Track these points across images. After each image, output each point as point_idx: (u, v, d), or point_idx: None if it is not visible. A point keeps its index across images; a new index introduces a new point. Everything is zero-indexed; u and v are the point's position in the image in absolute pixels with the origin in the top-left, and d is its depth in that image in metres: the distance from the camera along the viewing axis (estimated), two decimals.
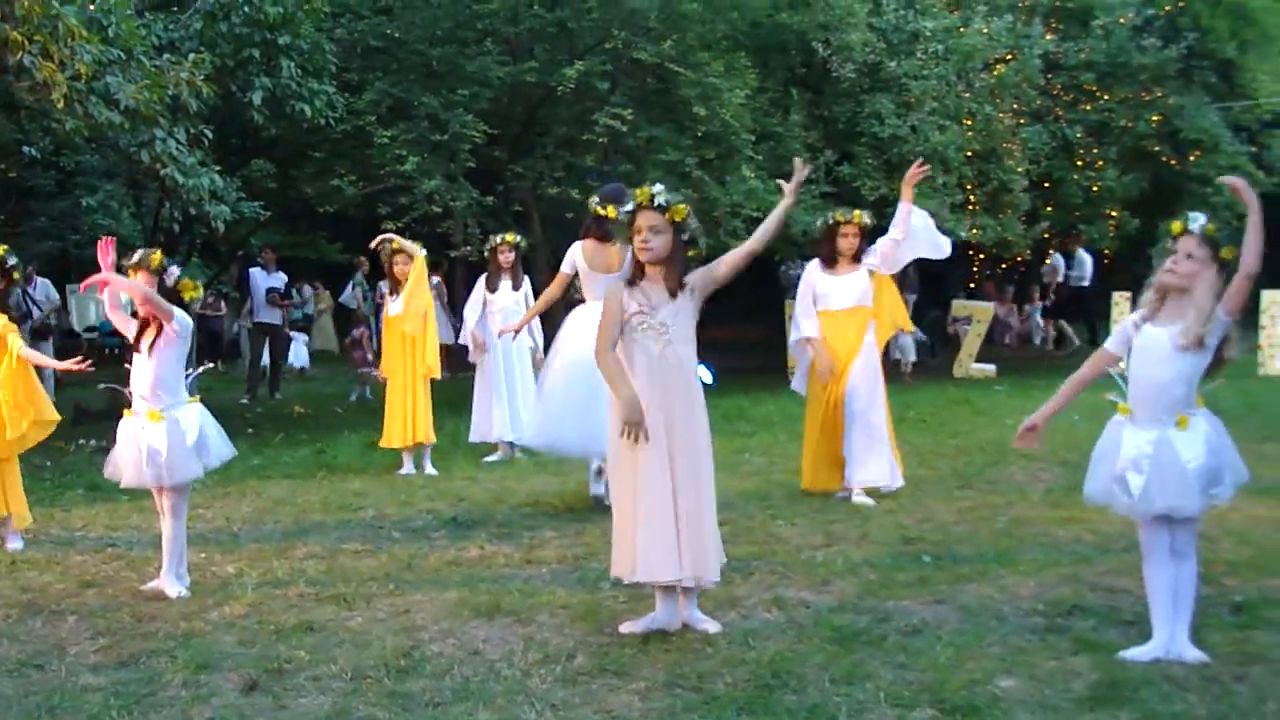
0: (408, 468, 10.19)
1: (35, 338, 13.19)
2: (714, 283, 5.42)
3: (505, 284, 10.86)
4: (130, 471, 6.22)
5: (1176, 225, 4.83)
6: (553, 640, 5.26)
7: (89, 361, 7.13)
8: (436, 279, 14.24)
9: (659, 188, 5.33)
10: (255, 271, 17.44)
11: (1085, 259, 22.05)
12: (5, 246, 7.48)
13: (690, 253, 5.37)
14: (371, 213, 15.92)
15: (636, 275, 5.38)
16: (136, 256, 6.28)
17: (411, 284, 10.11)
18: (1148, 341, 4.82)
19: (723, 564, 5.50)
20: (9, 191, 18.03)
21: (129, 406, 6.30)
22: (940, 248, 8.73)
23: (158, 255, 6.26)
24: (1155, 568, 4.89)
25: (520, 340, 10.52)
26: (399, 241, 10.29)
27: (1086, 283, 22.19)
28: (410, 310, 10.12)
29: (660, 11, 14.78)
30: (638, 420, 5.16)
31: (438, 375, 10.49)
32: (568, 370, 7.94)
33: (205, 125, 11.55)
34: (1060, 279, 22.60)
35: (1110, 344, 5.02)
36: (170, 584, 6.24)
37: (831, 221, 8.62)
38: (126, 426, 6.22)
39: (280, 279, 17.54)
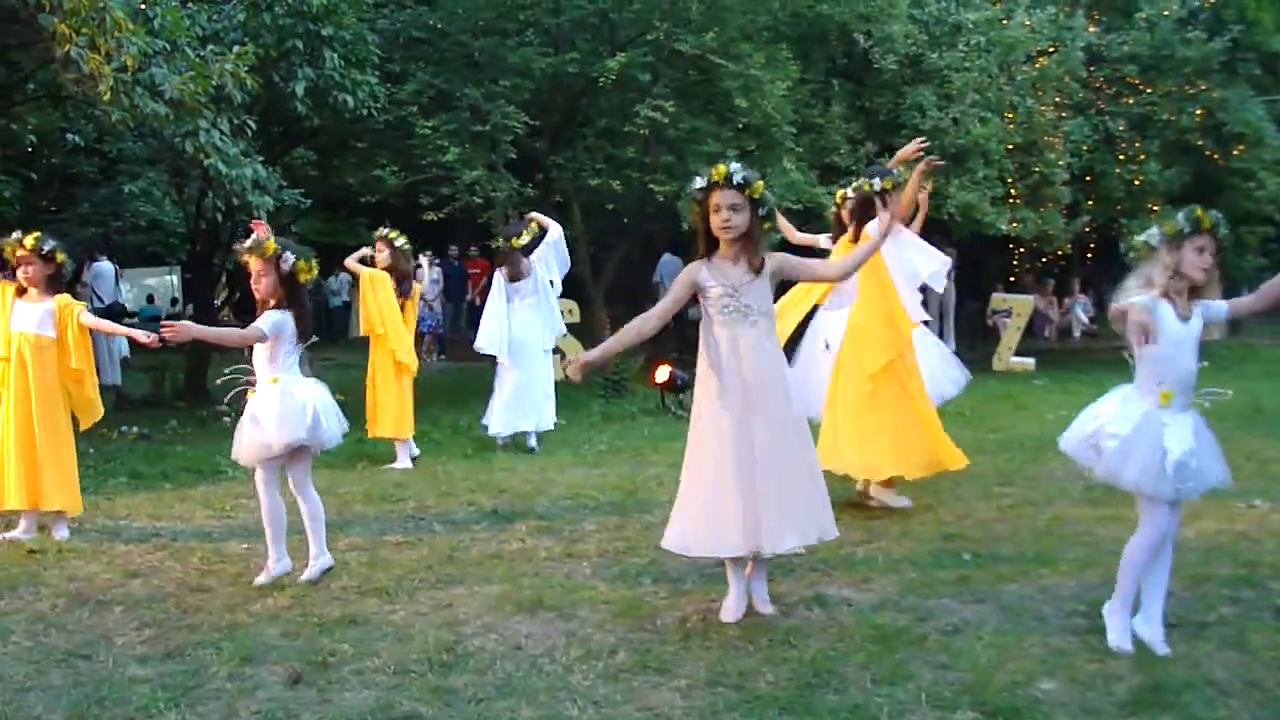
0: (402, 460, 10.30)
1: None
2: (798, 278, 5.84)
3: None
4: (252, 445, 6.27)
5: None
6: (594, 636, 5.28)
7: (154, 336, 6.77)
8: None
9: (736, 166, 5.31)
10: None
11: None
12: (37, 233, 7.47)
13: (765, 226, 5.42)
14: (413, 202, 15.97)
15: (709, 254, 5.40)
16: (249, 243, 6.26)
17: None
18: None
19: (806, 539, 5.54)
20: (52, 178, 18.15)
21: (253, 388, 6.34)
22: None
23: (271, 243, 6.27)
24: None
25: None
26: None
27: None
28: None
29: (702, 3, 14.76)
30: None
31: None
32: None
33: (249, 116, 11.60)
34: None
35: None
36: (320, 561, 6.44)
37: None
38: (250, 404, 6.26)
39: None
